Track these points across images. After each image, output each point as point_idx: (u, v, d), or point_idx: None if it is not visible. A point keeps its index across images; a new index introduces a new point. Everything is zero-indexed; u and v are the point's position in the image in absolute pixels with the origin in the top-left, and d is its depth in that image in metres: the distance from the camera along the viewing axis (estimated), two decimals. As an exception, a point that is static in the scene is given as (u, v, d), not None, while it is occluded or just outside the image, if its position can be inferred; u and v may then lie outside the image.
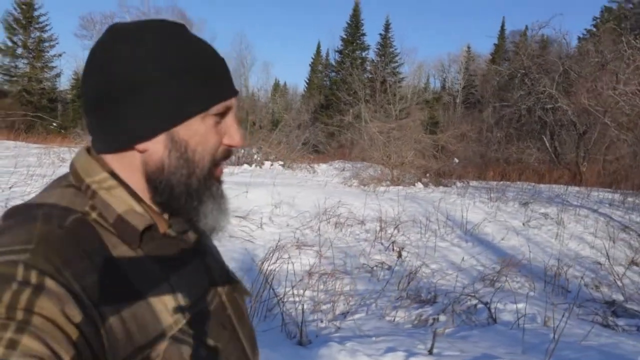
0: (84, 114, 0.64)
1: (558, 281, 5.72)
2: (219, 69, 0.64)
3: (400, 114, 23.38)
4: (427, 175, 12.69)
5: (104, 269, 0.55)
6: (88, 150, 0.65)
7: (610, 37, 16.08)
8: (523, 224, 8.14)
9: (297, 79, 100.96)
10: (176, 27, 0.63)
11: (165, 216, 0.66)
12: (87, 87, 0.61)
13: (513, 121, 17.32)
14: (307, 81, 40.69)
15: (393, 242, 6.76)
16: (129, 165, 0.62)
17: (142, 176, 0.62)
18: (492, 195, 9.80)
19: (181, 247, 0.67)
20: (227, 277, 0.76)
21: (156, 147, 0.60)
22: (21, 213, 0.57)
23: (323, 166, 16.16)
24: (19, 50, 31.04)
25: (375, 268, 5.80)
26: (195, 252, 0.70)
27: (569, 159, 16.84)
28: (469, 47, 43.45)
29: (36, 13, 31.41)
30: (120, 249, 0.58)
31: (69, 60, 79.21)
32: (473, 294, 4.44)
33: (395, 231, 7.41)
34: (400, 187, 11.81)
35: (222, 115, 0.64)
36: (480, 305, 4.40)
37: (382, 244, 6.93)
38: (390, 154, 13.07)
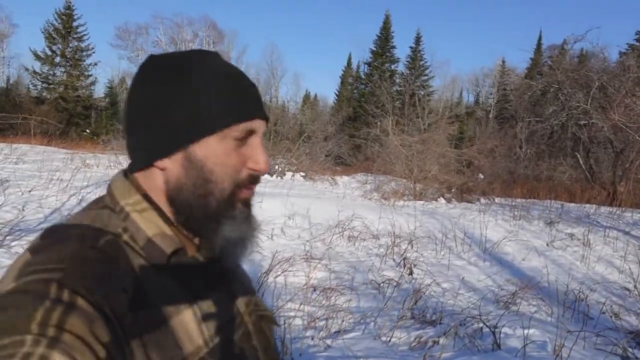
0: (123, 136, 0.68)
1: (579, 307, 5.34)
2: (242, 91, 0.64)
3: (429, 128, 23.01)
4: (451, 190, 12.33)
5: (130, 291, 0.56)
6: (125, 173, 0.68)
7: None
8: (547, 244, 7.72)
9: (328, 90, 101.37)
10: (207, 54, 0.67)
11: (196, 240, 0.67)
12: (126, 110, 0.65)
13: (545, 137, 16.69)
14: (337, 93, 40.78)
15: (404, 259, 6.51)
16: (155, 185, 0.64)
17: (164, 196, 0.64)
18: (515, 213, 9.38)
19: (209, 272, 0.67)
20: (255, 306, 0.75)
21: (174, 166, 0.62)
22: (57, 233, 0.59)
23: (345, 178, 15.99)
24: (57, 59, 32.31)
25: (382, 285, 5.57)
26: (223, 279, 0.70)
27: (605, 178, 16.06)
28: (503, 61, 42.64)
29: (75, 23, 32.70)
30: (147, 272, 0.59)
31: (104, 69, 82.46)
32: (479, 317, 4.16)
33: (409, 247, 7.16)
34: (422, 202, 11.51)
35: (244, 137, 0.64)
36: (486, 329, 4.12)
37: (393, 259, 6.69)
38: (412, 168, 12.80)
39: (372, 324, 4.24)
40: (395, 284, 5.76)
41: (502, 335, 3.93)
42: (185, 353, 0.58)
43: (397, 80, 32.27)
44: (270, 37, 77.27)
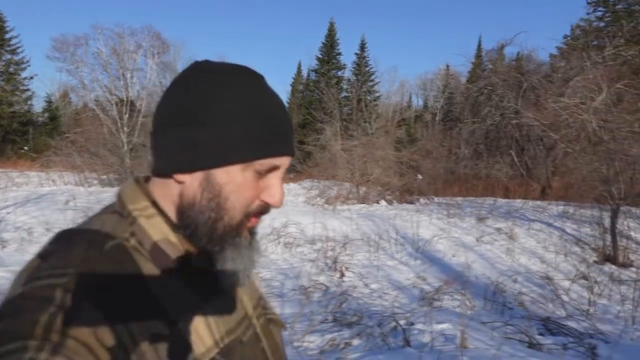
0: (150, 135, 0.66)
1: (499, 298, 5.54)
2: (277, 125, 0.63)
3: (377, 132, 23.41)
4: (390, 192, 12.56)
5: (138, 295, 0.56)
6: (136, 180, 0.69)
7: (577, 54, 16.32)
8: (476, 240, 7.99)
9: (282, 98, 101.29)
10: (253, 76, 0.65)
11: None
12: (157, 111, 0.64)
13: (482, 137, 17.37)
14: (288, 101, 40.79)
15: (335, 262, 6.54)
16: (168, 193, 0.64)
17: (175, 207, 0.64)
18: (450, 211, 9.67)
19: (216, 276, 0.66)
20: (263, 309, 0.76)
21: (193, 182, 0.62)
22: (65, 238, 0.60)
23: (292, 185, 15.97)
24: (-11, 73, 30.64)
25: (309, 289, 5.57)
26: (232, 283, 0.68)
27: (540, 174, 16.87)
28: (447, 66, 44.07)
29: (7, 35, 31.10)
30: (155, 276, 0.60)
31: (43, 83, 78.87)
32: (393, 316, 4.22)
33: (343, 250, 7.21)
34: (364, 205, 11.65)
35: (267, 171, 0.63)
36: (404, 327, 4.19)
37: (326, 264, 6.71)
38: (354, 172, 12.95)
39: (289, 330, 4.21)
40: (324, 288, 5.78)
41: (415, 332, 4.01)
42: (197, 354, 0.59)
43: (345, 87, 32.67)
44: (218, 47, 76.19)
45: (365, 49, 32.24)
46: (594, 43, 19.93)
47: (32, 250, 6.24)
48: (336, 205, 11.55)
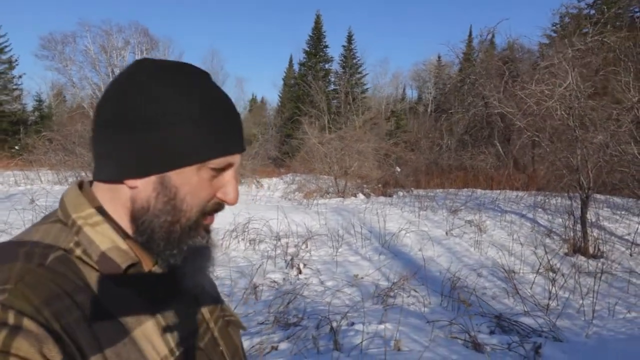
0: (91, 139, 0.63)
1: (456, 294, 5.32)
2: (228, 123, 0.62)
3: (366, 125, 23.15)
4: (367, 185, 12.34)
5: (85, 307, 0.54)
6: (80, 185, 0.66)
7: (560, 41, 16.03)
8: (446, 233, 7.77)
9: (275, 94, 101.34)
10: (199, 74, 0.63)
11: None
12: (99, 113, 0.61)
13: (467, 127, 17.11)
14: (280, 95, 40.47)
15: (292, 259, 6.32)
16: (118, 199, 0.62)
17: (127, 213, 0.62)
18: (424, 204, 9.45)
19: (169, 282, 0.64)
20: (220, 312, 0.75)
21: (146, 187, 0.60)
22: (3, 252, 0.56)
23: (274, 179, 15.76)
24: (-24, 73, 30.32)
25: (259, 288, 5.35)
26: (185, 287, 0.66)
27: (526, 164, 16.65)
28: (439, 57, 43.72)
29: (-7, 35, 30.80)
30: (103, 287, 0.57)
31: (34, 81, 78.29)
32: (328, 317, 4.01)
33: (304, 246, 6.99)
34: (340, 199, 11.43)
35: (221, 170, 0.63)
36: (344, 328, 3.98)
37: (285, 260, 6.49)
38: (332, 165, 12.72)
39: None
40: (277, 286, 5.56)
41: (352, 334, 3.80)
42: None
43: (332, 79, 32.32)
44: (208, 43, 75.48)
45: (353, 41, 31.90)
46: (584, 30, 19.65)
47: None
48: (313, 199, 11.33)
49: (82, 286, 0.56)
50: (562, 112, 6.28)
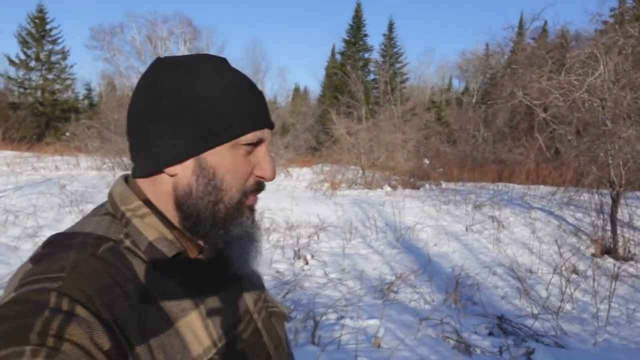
0: (127, 138, 0.66)
1: (462, 293, 5.12)
2: (252, 100, 0.65)
3: (405, 116, 22.73)
4: (394, 177, 12.10)
5: (133, 297, 0.55)
6: (126, 178, 0.68)
7: (611, 28, 14.99)
8: (466, 229, 7.50)
9: (317, 84, 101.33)
10: (216, 60, 0.66)
11: (201, 242, 0.66)
12: (130, 111, 0.64)
13: (506, 119, 16.38)
14: (322, 85, 40.37)
15: (298, 250, 6.29)
16: (161, 190, 0.64)
17: (172, 201, 0.63)
18: (449, 197, 9.15)
19: (214, 272, 0.66)
20: (264, 302, 0.76)
21: (185, 172, 0.62)
22: (58, 242, 0.58)
23: (304, 169, 15.76)
24: (32, 63, 31.97)
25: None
26: (231, 278, 0.69)
27: (571, 158, 15.78)
28: (487, 45, 42.10)
29: (48, 26, 32.28)
30: (151, 277, 0.59)
31: (85, 71, 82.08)
32: (312, 309, 3.95)
33: (316, 237, 6.95)
34: (364, 190, 11.29)
35: (254, 145, 0.65)
36: (329, 321, 3.92)
37: (294, 251, 6.47)
38: (359, 156, 12.56)
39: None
40: (281, 276, 5.56)
41: (336, 328, 3.73)
42: (194, 355, 0.58)
43: (372, 69, 31.85)
44: (250, 33, 76.07)
45: (394, 30, 31.23)
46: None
47: (11, 233, 6.37)
48: (338, 190, 11.25)
49: (130, 277, 0.57)
50: (587, 105, 5.84)
